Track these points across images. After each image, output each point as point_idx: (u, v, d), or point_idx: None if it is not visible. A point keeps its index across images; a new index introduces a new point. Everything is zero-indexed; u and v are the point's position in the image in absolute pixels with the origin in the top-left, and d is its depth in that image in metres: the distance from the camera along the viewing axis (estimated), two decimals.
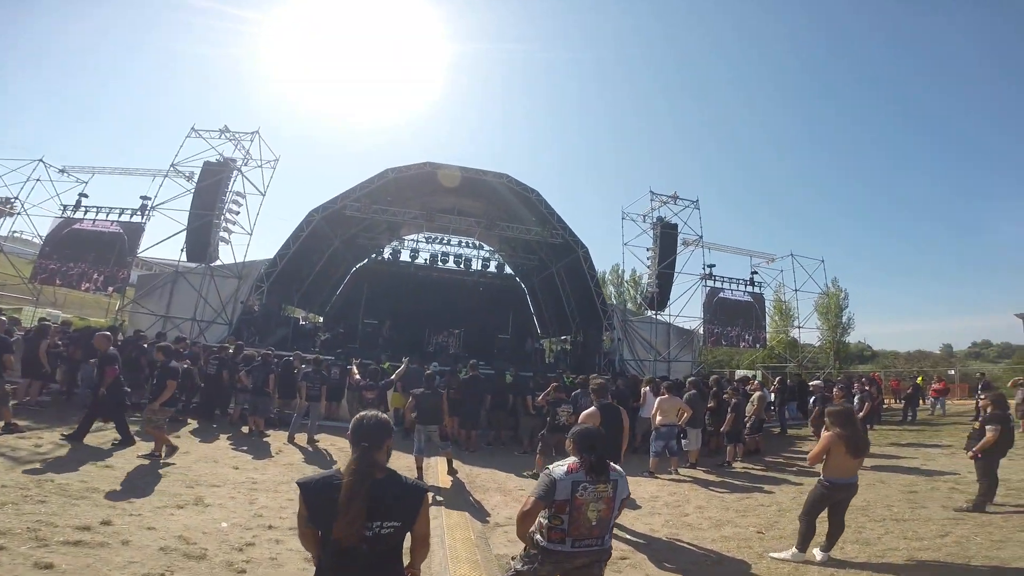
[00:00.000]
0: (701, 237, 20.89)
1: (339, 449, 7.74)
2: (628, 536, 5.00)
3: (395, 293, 22.94)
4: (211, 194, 16.08)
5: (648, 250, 20.02)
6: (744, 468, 8.41)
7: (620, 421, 4.99)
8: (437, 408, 6.64)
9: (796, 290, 23.57)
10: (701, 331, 20.87)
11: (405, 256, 22.92)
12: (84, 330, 10.03)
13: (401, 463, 6.94)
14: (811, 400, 10.35)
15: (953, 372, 23.58)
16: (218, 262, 16.25)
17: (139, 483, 5.02)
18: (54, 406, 8.65)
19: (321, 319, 24.69)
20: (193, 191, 16.21)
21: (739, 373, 24.66)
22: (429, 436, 6.61)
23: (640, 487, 6.93)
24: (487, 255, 24.10)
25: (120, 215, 16.59)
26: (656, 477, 7.60)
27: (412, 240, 23.38)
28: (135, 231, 16.30)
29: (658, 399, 7.95)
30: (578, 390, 8.90)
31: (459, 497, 5.94)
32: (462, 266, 23.04)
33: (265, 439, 8.01)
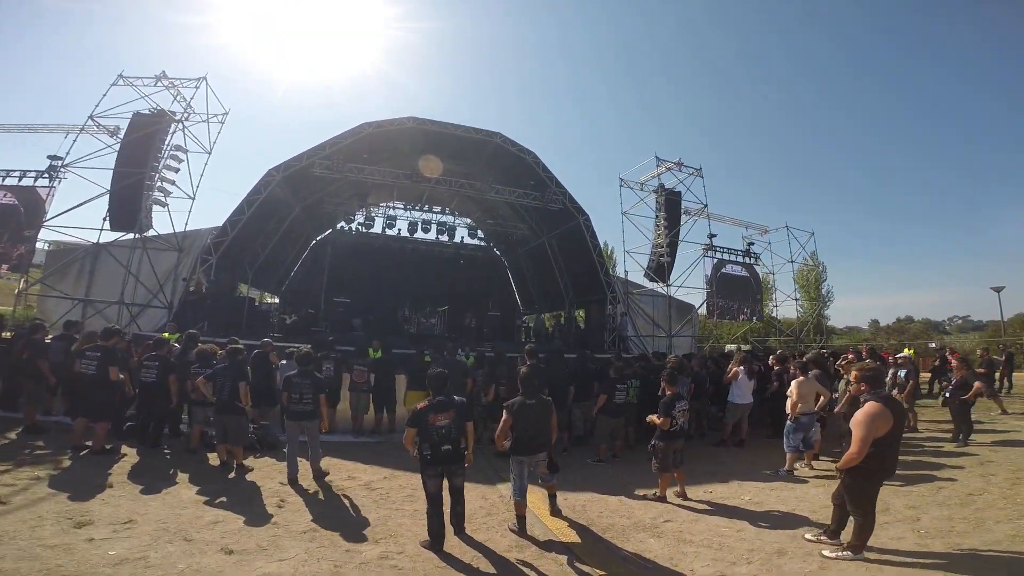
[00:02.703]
0: (706, 206, 19.44)
1: (363, 485, 5.32)
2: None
3: (364, 268, 20.19)
4: (142, 149, 12.71)
5: (656, 216, 18.32)
6: None
7: (904, 420, 3.21)
8: (548, 427, 4.49)
9: (792, 261, 22.85)
10: (702, 304, 19.56)
11: (378, 226, 20.11)
12: None
13: (475, 501, 4.75)
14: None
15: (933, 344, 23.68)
16: (152, 232, 13.02)
17: None
18: None
19: (276, 300, 21.51)
20: (119, 145, 12.82)
21: (728, 347, 23.84)
22: (534, 469, 4.48)
23: (797, 494, 5.49)
24: (471, 224, 21.64)
25: (20, 179, 12.93)
26: (795, 476, 6.24)
27: (384, 208, 20.57)
28: (34, 200, 12.72)
29: (795, 382, 6.51)
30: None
31: (603, 552, 3.96)
32: (445, 236, 20.46)
33: (247, 475, 5.54)
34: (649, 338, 18.31)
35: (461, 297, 20.62)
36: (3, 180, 12.83)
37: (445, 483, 4.03)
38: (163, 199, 12.83)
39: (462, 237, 21.56)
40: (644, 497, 5.35)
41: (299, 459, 5.46)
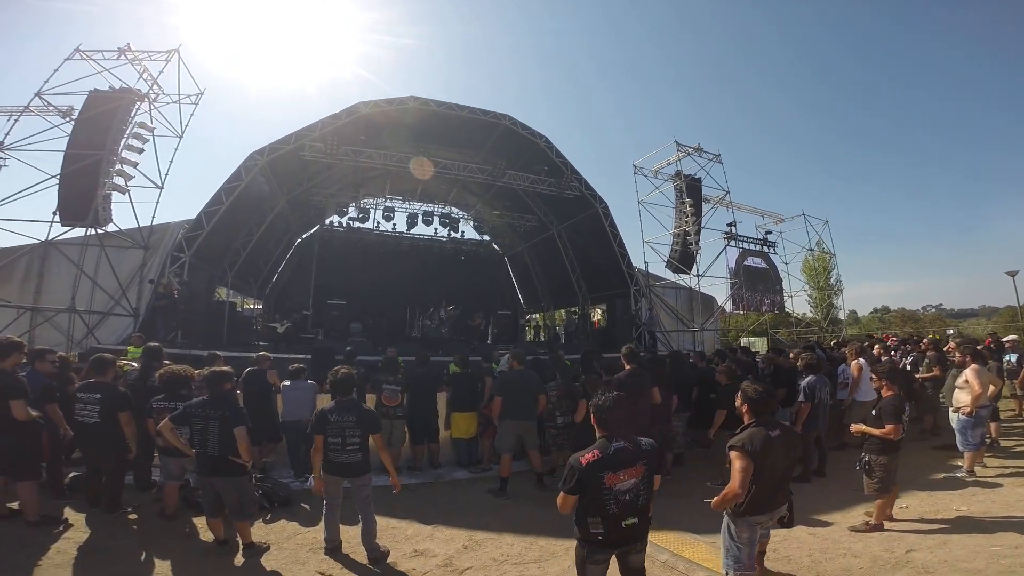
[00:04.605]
0: (727, 192, 18.14)
1: (444, 566, 3.54)
2: None
3: (356, 268, 18.26)
4: (100, 129, 10.60)
5: (681, 202, 16.96)
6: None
7: None
8: (792, 467, 2.92)
9: (810, 249, 22.11)
10: (726, 296, 18.26)
11: (371, 221, 18.25)
12: None
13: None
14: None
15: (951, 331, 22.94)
16: (112, 227, 10.97)
17: None
18: None
19: (260, 306, 19.36)
20: (73, 123, 10.74)
21: (744, 341, 22.73)
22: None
23: (1011, 497, 4.64)
24: (474, 217, 19.91)
25: None
26: (975, 477, 5.38)
27: (379, 200, 18.63)
28: None
29: (972, 371, 5.45)
30: (810, 377, 5.58)
31: None
32: (447, 230, 18.74)
33: (263, 558, 3.75)
34: (674, 333, 16.96)
35: (466, 296, 18.91)
36: None
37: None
38: (124, 185, 10.75)
39: (463, 231, 19.82)
40: (828, 524, 4.27)
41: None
